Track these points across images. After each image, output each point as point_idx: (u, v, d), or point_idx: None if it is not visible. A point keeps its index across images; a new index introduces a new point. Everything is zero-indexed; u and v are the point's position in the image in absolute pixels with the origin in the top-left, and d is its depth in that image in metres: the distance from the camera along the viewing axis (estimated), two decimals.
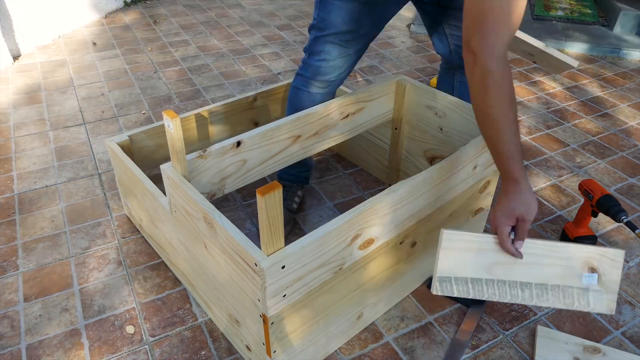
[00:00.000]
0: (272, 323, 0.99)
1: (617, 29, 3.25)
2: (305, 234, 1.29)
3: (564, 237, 1.59)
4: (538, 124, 2.27)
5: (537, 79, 2.71)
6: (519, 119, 2.30)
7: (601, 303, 1.01)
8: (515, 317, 1.34)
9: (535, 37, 3.12)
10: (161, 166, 1.15)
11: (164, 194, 1.26)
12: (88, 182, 1.83)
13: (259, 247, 0.96)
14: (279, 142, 1.32)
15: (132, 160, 1.50)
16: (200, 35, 3.20)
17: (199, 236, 1.11)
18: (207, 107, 1.63)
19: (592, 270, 1.01)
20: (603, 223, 1.67)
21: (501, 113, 0.93)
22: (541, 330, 1.29)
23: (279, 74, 2.69)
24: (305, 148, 1.39)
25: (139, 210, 1.50)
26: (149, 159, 1.57)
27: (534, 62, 1.45)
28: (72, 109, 2.31)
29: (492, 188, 1.46)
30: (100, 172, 1.89)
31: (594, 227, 1.66)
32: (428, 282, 1.42)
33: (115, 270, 1.46)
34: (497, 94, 0.91)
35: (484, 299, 1.02)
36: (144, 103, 2.36)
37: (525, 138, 2.16)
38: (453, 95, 1.55)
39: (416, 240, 1.26)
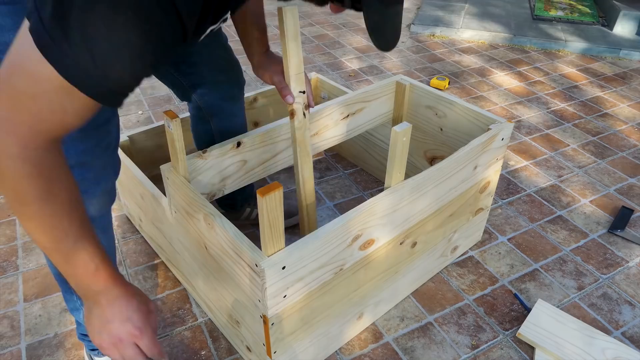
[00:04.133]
0: (272, 324, 0.99)
1: (617, 29, 3.25)
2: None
3: None
4: (538, 124, 2.27)
5: (537, 79, 2.71)
6: (519, 118, 2.30)
7: None
8: (515, 317, 1.34)
9: (535, 37, 3.12)
10: (161, 167, 1.15)
11: (164, 194, 1.26)
12: None
13: (259, 247, 0.96)
14: (279, 142, 1.32)
15: (132, 160, 1.50)
16: None
17: (199, 237, 1.11)
18: None
19: None
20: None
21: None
22: (540, 303, 1.34)
23: None
24: None
25: (138, 211, 1.50)
26: (149, 159, 1.57)
27: None
28: None
29: (492, 188, 1.46)
30: None
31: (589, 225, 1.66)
32: None
33: None
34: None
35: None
36: (144, 103, 2.36)
37: (525, 138, 2.16)
38: (215, 142, 1.32)
39: (417, 241, 1.26)
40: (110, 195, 0.99)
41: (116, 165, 0.98)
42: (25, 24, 0.57)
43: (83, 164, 0.89)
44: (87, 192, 0.92)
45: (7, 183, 0.61)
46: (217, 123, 1.32)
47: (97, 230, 0.89)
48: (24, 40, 0.56)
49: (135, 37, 0.57)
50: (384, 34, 0.74)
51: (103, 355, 1.01)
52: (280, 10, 1.00)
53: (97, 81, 0.58)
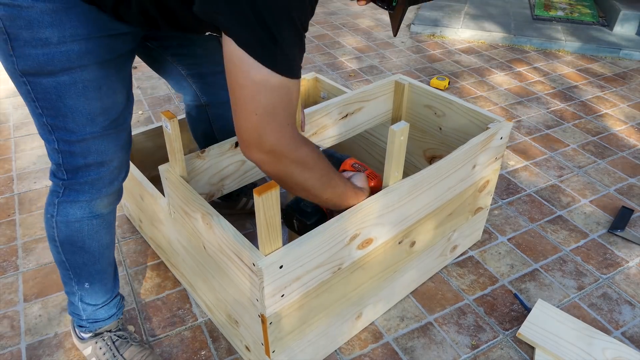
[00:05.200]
0: (270, 323, 0.99)
1: (617, 29, 3.25)
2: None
3: None
4: (538, 124, 2.27)
5: (537, 79, 2.71)
6: (519, 119, 2.29)
7: None
8: (515, 317, 1.34)
9: (534, 37, 3.12)
10: (159, 167, 1.15)
11: (163, 195, 1.26)
12: None
13: (257, 246, 0.96)
14: None
15: (132, 161, 1.50)
16: None
17: (197, 237, 1.11)
18: None
19: None
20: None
21: (324, 188, 0.94)
22: (541, 303, 1.34)
23: None
24: None
25: (138, 212, 1.50)
26: (149, 159, 1.57)
27: None
28: None
29: (491, 187, 1.46)
30: None
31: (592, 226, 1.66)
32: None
33: None
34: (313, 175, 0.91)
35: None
36: (144, 103, 2.37)
37: (525, 138, 2.15)
38: (213, 130, 1.38)
39: (415, 240, 1.26)
40: (119, 194, 1.06)
41: (127, 166, 1.05)
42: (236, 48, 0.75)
43: (102, 163, 0.96)
44: (101, 191, 1.00)
45: (313, 170, 0.90)
46: (213, 111, 1.35)
47: (103, 225, 1.05)
48: (248, 64, 0.76)
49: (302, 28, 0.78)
50: None
51: (90, 331, 1.17)
52: None
53: (299, 65, 0.80)
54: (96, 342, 1.17)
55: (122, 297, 1.23)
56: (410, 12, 3.62)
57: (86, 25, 0.84)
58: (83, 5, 0.83)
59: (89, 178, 0.97)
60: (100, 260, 1.10)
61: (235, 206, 1.62)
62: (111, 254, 1.13)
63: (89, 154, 0.94)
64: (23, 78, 0.86)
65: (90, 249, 1.06)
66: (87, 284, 1.10)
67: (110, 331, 1.18)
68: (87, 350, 1.19)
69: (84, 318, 1.15)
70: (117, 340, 1.17)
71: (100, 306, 1.16)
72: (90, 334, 1.18)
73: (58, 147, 0.94)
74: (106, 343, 1.16)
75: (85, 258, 1.07)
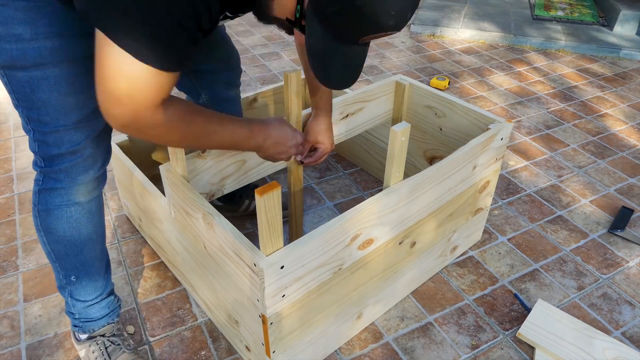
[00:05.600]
0: (271, 323, 0.99)
1: (617, 29, 3.25)
2: (305, 234, 1.29)
3: None
4: (538, 124, 2.27)
5: (537, 79, 2.71)
6: (519, 119, 2.30)
7: None
8: (515, 317, 1.34)
9: (534, 37, 3.12)
10: (160, 166, 1.15)
11: (164, 194, 1.26)
12: None
13: (258, 247, 0.96)
14: None
15: (132, 160, 1.50)
16: None
17: (198, 236, 1.11)
18: None
19: None
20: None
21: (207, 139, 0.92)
22: (541, 303, 1.34)
23: (279, 73, 2.69)
24: None
25: (138, 211, 1.50)
26: (149, 159, 1.57)
27: None
28: None
29: (491, 188, 1.46)
30: None
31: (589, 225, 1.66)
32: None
33: (115, 270, 1.46)
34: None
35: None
36: None
37: (525, 138, 2.16)
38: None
39: (416, 241, 1.26)
40: (99, 182, 1.06)
41: (104, 154, 1.04)
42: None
43: (74, 152, 0.98)
44: (76, 179, 1.01)
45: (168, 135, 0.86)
46: (214, 108, 1.35)
47: (83, 214, 1.05)
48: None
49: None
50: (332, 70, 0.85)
51: (84, 332, 1.17)
52: (285, 74, 1.16)
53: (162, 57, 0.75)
54: (89, 346, 1.17)
55: (118, 299, 1.22)
56: None
57: (58, 23, 0.85)
58: (56, 4, 0.84)
59: (63, 166, 0.99)
60: (83, 251, 1.09)
61: (237, 209, 1.62)
62: (96, 247, 1.12)
63: (62, 144, 0.96)
64: (1, 70, 0.89)
65: (72, 238, 1.06)
66: (73, 276, 1.10)
67: (104, 335, 1.18)
68: (82, 352, 1.19)
69: (77, 317, 1.15)
70: (109, 345, 1.17)
71: (90, 304, 1.15)
72: (85, 336, 1.18)
73: (34, 137, 0.96)
74: (99, 347, 1.16)
75: (68, 248, 1.07)
